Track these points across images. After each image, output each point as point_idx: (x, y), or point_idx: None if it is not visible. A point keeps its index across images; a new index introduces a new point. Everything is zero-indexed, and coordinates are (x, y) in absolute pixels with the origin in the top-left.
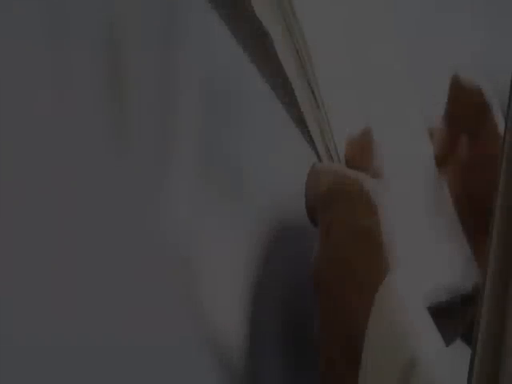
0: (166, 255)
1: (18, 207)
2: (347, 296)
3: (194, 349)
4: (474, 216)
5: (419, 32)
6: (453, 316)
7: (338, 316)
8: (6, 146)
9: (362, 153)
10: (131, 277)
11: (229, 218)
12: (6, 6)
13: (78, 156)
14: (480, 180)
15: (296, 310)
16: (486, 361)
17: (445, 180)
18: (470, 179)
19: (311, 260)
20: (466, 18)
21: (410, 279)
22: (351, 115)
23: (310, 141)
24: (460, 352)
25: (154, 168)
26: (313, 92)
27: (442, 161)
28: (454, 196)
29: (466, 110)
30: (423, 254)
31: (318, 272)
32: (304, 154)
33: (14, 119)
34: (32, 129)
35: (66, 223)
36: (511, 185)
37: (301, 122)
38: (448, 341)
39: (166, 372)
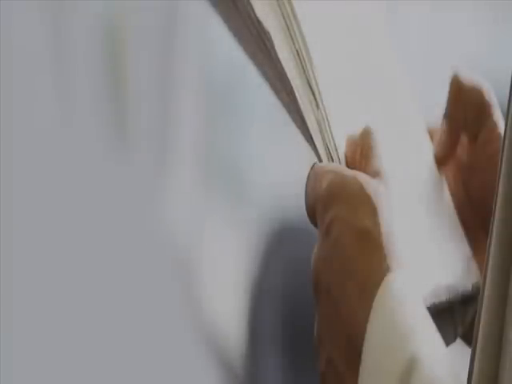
0: (166, 255)
1: (18, 207)
2: (347, 296)
3: (193, 349)
4: (474, 216)
5: (420, 32)
6: (453, 316)
7: (338, 316)
8: (6, 146)
9: (362, 153)
10: (131, 277)
11: (229, 218)
12: (7, 7)
13: (78, 156)
14: (480, 180)
15: (296, 310)
16: (486, 361)
17: (445, 180)
18: (470, 179)
19: (311, 260)
20: (466, 19)
21: (410, 279)
22: (351, 115)
23: (310, 141)
24: (460, 352)
25: (154, 168)
26: (313, 92)
27: (442, 161)
28: (454, 196)
29: (466, 110)
30: (423, 253)
31: (317, 272)
32: (304, 154)
33: (14, 119)
34: (32, 129)
35: (65, 223)
36: (511, 185)
37: (301, 122)
38: (448, 341)
39: (165, 372)
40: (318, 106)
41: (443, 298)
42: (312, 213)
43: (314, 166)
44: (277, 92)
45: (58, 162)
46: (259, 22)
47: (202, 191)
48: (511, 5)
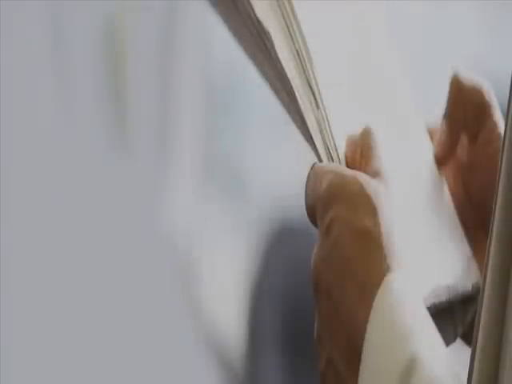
0: (166, 255)
1: (18, 207)
2: (347, 296)
3: (193, 349)
4: (474, 216)
5: (420, 32)
6: (453, 316)
7: (338, 316)
8: (6, 146)
9: (362, 153)
10: (131, 277)
11: (229, 218)
12: (7, 7)
13: (78, 156)
14: (480, 180)
15: (296, 310)
16: (486, 361)
17: (445, 180)
18: (470, 179)
19: (311, 260)
20: (466, 19)
21: (410, 279)
22: (351, 115)
23: (310, 141)
24: (460, 352)
25: (154, 168)
26: (313, 92)
27: (442, 161)
28: (454, 196)
29: (466, 109)
30: (423, 254)
31: (317, 272)
32: (304, 154)
33: (14, 119)
34: (32, 129)
35: (65, 224)
36: (511, 185)
37: (301, 122)
38: (448, 341)
39: (166, 372)
40: (318, 105)
41: (443, 298)
42: (312, 213)
43: (313, 166)
44: (277, 92)
45: (59, 161)
46: (259, 22)
47: (201, 191)
48: (511, 5)
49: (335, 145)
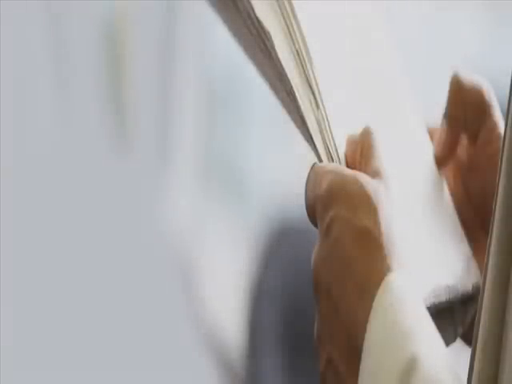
0: (166, 255)
1: (19, 208)
2: (347, 296)
3: (194, 349)
4: (474, 216)
5: (419, 32)
6: (453, 316)
7: (338, 316)
8: (6, 146)
9: (362, 153)
10: (131, 277)
11: (229, 218)
12: (7, 7)
13: (78, 156)
14: (480, 180)
15: (296, 310)
16: (486, 361)
17: (445, 180)
18: (469, 179)
19: (311, 260)
20: (466, 19)
21: (410, 279)
22: (351, 115)
23: (310, 141)
24: (460, 352)
25: (154, 168)
26: (313, 92)
27: (442, 161)
28: (454, 196)
29: (466, 109)
30: (423, 254)
31: (317, 272)
32: (304, 154)
33: (14, 120)
34: (32, 129)
35: (65, 224)
36: (511, 185)
37: (301, 122)
38: (448, 341)
39: (166, 372)
40: (318, 105)
41: (443, 298)
42: (312, 213)
43: (314, 165)
44: (277, 92)
45: (59, 161)
46: (259, 22)
47: (201, 191)
48: (511, 5)
49: (335, 145)
